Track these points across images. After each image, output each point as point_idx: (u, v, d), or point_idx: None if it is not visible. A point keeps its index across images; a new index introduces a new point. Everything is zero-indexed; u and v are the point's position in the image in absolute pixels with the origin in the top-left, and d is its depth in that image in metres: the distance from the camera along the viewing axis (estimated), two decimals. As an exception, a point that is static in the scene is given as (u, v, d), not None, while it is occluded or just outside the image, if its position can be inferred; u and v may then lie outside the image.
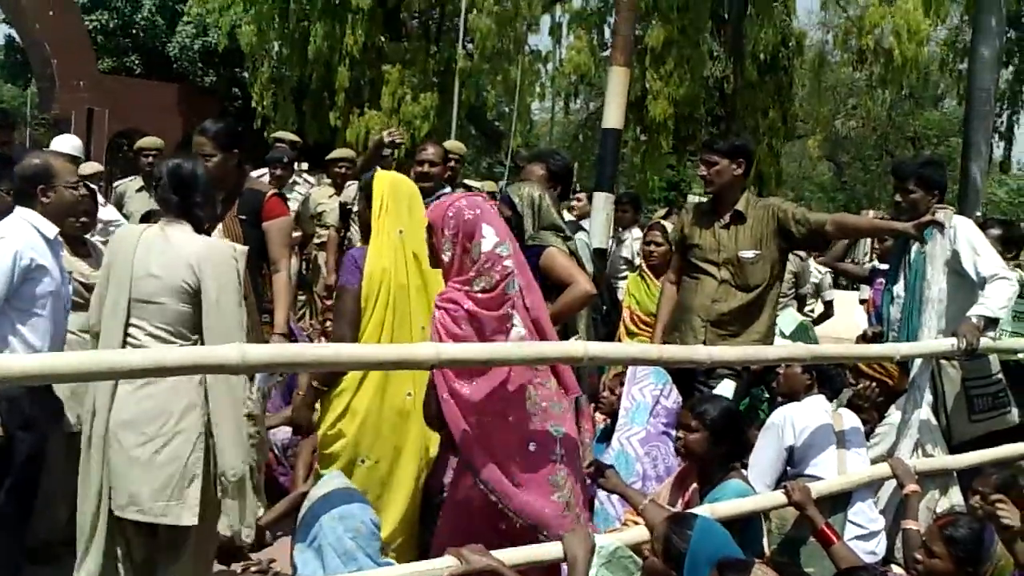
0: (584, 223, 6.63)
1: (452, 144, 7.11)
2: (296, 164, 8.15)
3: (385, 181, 3.78)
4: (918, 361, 4.05)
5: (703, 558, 2.60)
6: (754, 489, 3.50)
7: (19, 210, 3.54)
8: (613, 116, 6.60)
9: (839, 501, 3.71)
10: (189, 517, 3.28)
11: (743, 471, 3.58)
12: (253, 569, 2.70)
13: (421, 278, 3.68)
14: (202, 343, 3.33)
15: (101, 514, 3.30)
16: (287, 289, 4.40)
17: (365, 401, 3.60)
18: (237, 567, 3.82)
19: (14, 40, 23.34)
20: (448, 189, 5.69)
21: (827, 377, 4.17)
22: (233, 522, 3.33)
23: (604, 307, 5.49)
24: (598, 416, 4.40)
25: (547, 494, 3.05)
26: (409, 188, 3.87)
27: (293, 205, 7.12)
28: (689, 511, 2.87)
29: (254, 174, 7.64)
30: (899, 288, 4.56)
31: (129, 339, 3.32)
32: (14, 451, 3.39)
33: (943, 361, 4.21)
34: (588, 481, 3.39)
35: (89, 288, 4.18)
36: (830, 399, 4.17)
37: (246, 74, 19.33)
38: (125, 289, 3.34)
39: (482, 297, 3.06)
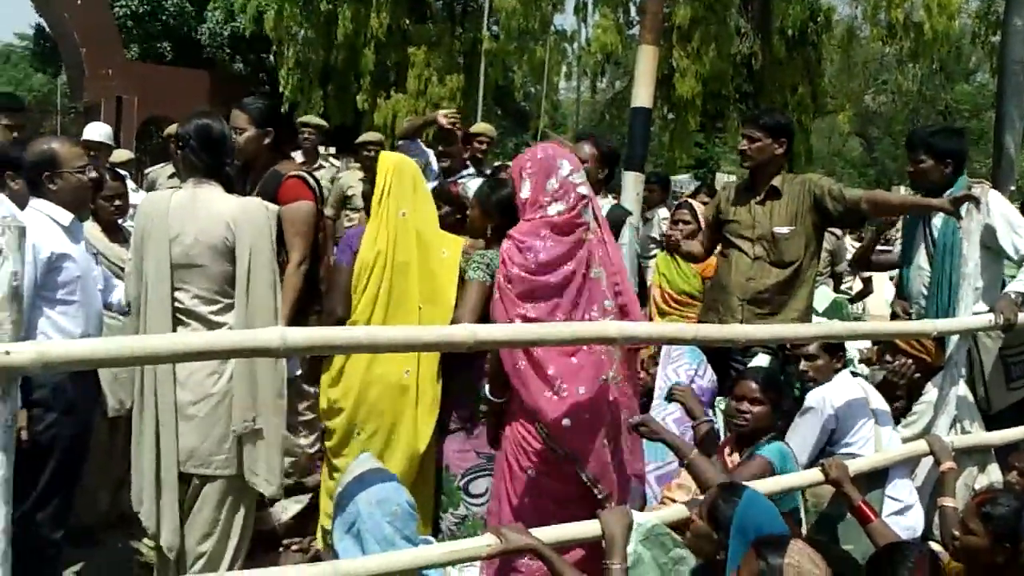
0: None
1: (481, 126, 7.10)
2: (323, 148, 8.18)
3: (389, 163, 3.81)
4: (954, 337, 4.02)
5: (748, 528, 2.61)
6: (792, 451, 3.55)
7: (32, 201, 3.53)
8: (642, 95, 6.55)
9: (876, 478, 3.69)
10: (238, 468, 3.41)
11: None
12: (294, 548, 2.73)
13: (425, 255, 3.74)
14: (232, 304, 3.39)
15: (166, 474, 3.39)
16: (293, 283, 3.88)
17: (356, 375, 3.69)
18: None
19: (43, 29, 23.51)
20: (471, 170, 5.70)
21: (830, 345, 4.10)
22: (248, 473, 3.41)
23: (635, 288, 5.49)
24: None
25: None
26: (412, 169, 3.90)
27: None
28: (739, 482, 2.87)
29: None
30: (922, 261, 4.50)
31: (176, 304, 3.36)
32: (57, 436, 3.44)
33: (979, 334, 4.18)
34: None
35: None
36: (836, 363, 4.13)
37: (273, 58, 19.38)
38: (165, 255, 3.36)
39: (556, 220, 3.24)
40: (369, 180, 3.86)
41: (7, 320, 2.20)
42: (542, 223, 3.25)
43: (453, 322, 3.62)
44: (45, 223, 3.45)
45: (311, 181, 4.12)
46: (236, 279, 3.40)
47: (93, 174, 3.62)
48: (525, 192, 3.31)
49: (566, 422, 3.17)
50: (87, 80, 19.44)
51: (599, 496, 3.25)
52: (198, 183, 3.47)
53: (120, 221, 4.64)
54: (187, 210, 3.40)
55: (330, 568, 2.44)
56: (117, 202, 4.50)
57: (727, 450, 3.57)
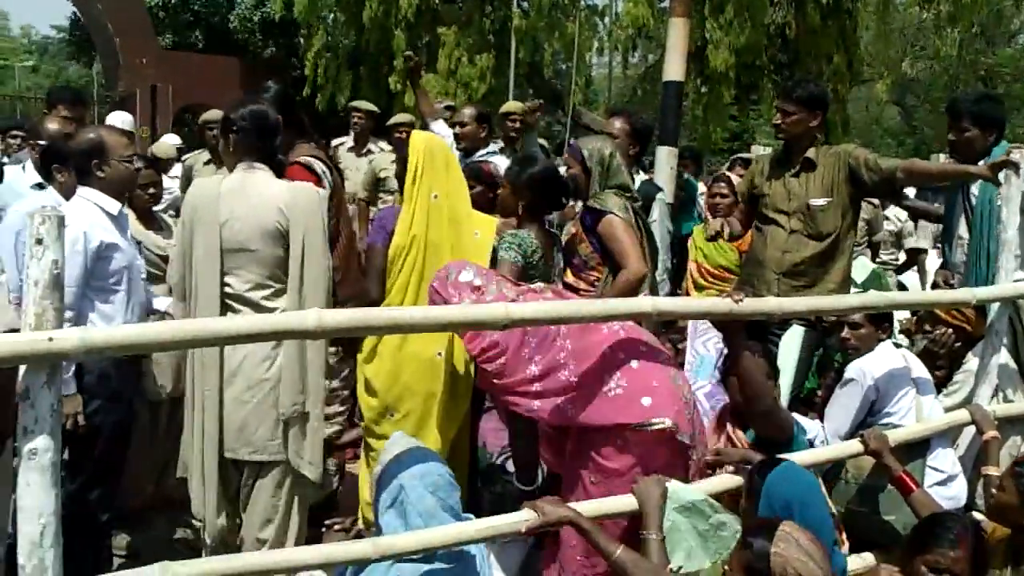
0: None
1: (512, 104, 7.07)
2: (372, 135, 8.08)
3: (420, 144, 3.79)
4: (995, 305, 3.96)
5: (775, 500, 2.62)
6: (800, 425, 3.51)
7: (80, 190, 3.58)
8: (674, 68, 6.49)
9: (917, 448, 3.66)
10: (294, 456, 3.44)
11: None
12: (336, 528, 2.77)
13: (457, 237, 3.75)
14: (284, 289, 3.41)
15: (209, 458, 3.44)
16: None
17: (389, 355, 3.72)
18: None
19: (78, 20, 23.74)
20: (494, 148, 5.67)
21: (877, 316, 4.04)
22: (294, 457, 3.45)
23: (675, 261, 5.47)
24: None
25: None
26: (444, 148, 3.89)
27: (358, 176, 7.20)
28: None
29: (336, 142, 7.74)
30: (962, 230, 4.44)
31: (226, 289, 3.39)
32: (103, 423, 3.51)
33: (1021, 301, 4.11)
34: None
35: (165, 259, 4.30)
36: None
37: (302, 42, 19.41)
38: (215, 239, 3.37)
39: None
40: (400, 161, 3.86)
41: (50, 307, 2.24)
42: None
43: None
44: (94, 212, 3.51)
45: (318, 167, 4.10)
46: (289, 264, 3.41)
47: (139, 163, 3.67)
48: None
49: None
50: (122, 70, 19.63)
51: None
52: (249, 168, 3.47)
53: (154, 208, 4.70)
54: (238, 195, 3.41)
55: (370, 545, 2.47)
56: (152, 190, 4.55)
57: (728, 425, 3.52)
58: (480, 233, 3.85)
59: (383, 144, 7.86)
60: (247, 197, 3.40)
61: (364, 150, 7.71)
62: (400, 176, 3.83)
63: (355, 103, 8.24)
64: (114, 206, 3.57)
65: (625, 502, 2.89)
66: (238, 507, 3.55)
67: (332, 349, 4.34)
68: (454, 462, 3.74)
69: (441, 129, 6.46)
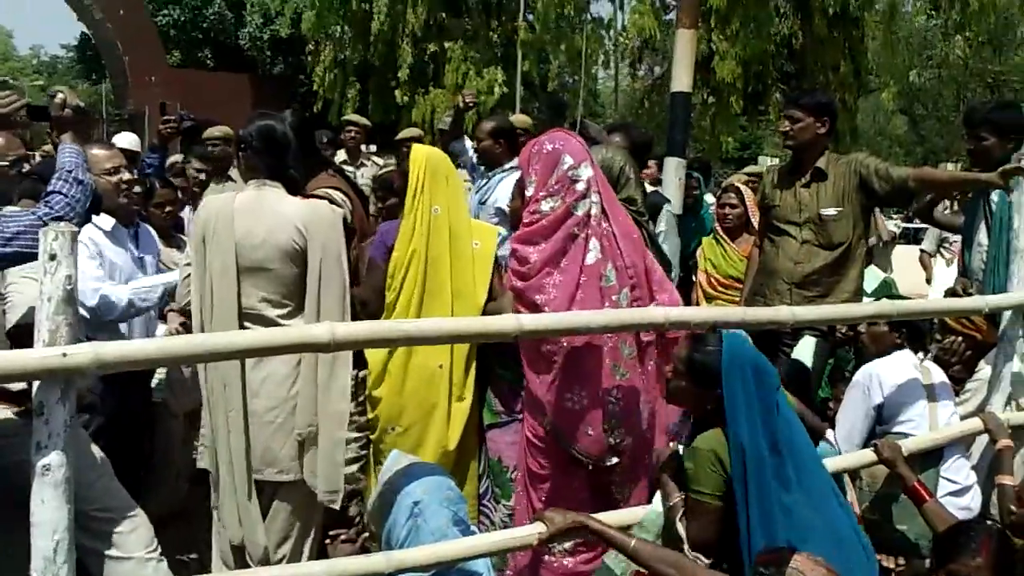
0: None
1: (518, 118, 7.10)
2: (364, 146, 8.24)
3: (421, 158, 3.75)
4: (1007, 313, 3.94)
5: (744, 362, 2.63)
6: None
7: None
8: (681, 79, 6.51)
9: (931, 457, 3.64)
10: (309, 476, 3.43)
11: None
12: (343, 539, 2.76)
13: (457, 249, 3.73)
14: (303, 308, 3.40)
15: (240, 479, 3.43)
16: None
17: (394, 373, 3.68)
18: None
19: (88, 39, 23.95)
20: (515, 163, 5.67)
21: (915, 330, 4.07)
22: (309, 477, 3.44)
23: (681, 274, 5.46)
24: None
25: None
26: (444, 162, 3.87)
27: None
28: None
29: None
30: (981, 237, 4.42)
31: (242, 308, 3.37)
32: (105, 439, 3.50)
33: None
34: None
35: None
36: (916, 352, 4.09)
37: (309, 58, 19.54)
38: (231, 257, 3.35)
39: (545, 222, 3.22)
40: (401, 175, 3.85)
41: (63, 323, 2.24)
42: (534, 229, 3.25)
43: (493, 311, 3.66)
44: (87, 228, 3.49)
45: (336, 197, 4.10)
46: (307, 282, 3.38)
47: (127, 175, 3.65)
48: (530, 190, 3.31)
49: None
50: (131, 88, 19.79)
51: (607, 464, 3.26)
52: (261, 184, 3.45)
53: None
54: (253, 212, 3.38)
55: (383, 559, 2.46)
56: (168, 208, 4.57)
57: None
58: (480, 243, 3.85)
59: (376, 159, 7.95)
60: (263, 215, 3.38)
61: (358, 162, 7.77)
62: (401, 190, 3.81)
63: (348, 117, 8.39)
64: (107, 221, 3.55)
65: (631, 513, 2.89)
66: None
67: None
68: (459, 476, 3.73)
69: (464, 144, 6.48)
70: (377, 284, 3.71)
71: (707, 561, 2.58)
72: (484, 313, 3.72)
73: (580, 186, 3.26)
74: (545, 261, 3.21)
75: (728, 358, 2.64)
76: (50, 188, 2.95)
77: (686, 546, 2.63)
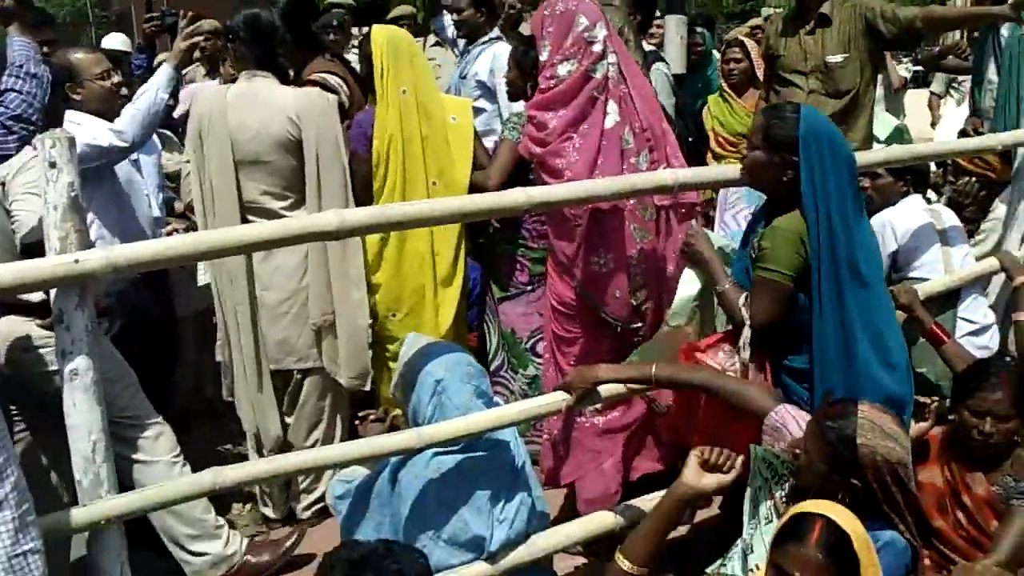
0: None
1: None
2: (354, 29, 7.99)
3: (381, 40, 3.67)
4: (1022, 150, 3.88)
5: (820, 133, 2.63)
6: None
7: (68, 113, 3.50)
8: (677, -68, 6.23)
9: (948, 299, 3.65)
10: (330, 364, 3.51)
11: None
12: (372, 418, 2.82)
13: (431, 128, 3.68)
14: (303, 198, 3.39)
15: (265, 372, 3.52)
16: None
17: (391, 259, 3.71)
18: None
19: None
20: (496, 34, 5.52)
21: (919, 175, 4.01)
22: (330, 365, 3.52)
23: (690, 137, 5.36)
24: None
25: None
26: (408, 42, 3.78)
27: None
28: None
29: None
30: (991, 75, 4.33)
31: (244, 201, 3.37)
32: (127, 341, 3.54)
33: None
34: None
35: (170, 177, 4.28)
36: (924, 196, 4.04)
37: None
38: (227, 151, 3.34)
39: (564, 87, 3.14)
40: (365, 60, 3.74)
41: (72, 230, 2.25)
42: (553, 95, 3.17)
43: (478, 181, 3.72)
44: (82, 132, 3.45)
45: (332, 81, 4.03)
46: (306, 174, 3.37)
47: (116, 78, 3.59)
48: (544, 54, 3.21)
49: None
50: (114, -13, 19.26)
51: (632, 327, 3.29)
52: (252, 75, 3.42)
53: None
54: (246, 104, 3.36)
55: (414, 435, 2.51)
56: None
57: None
58: (457, 117, 3.80)
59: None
60: (255, 108, 3.35)
61: (350, 45, 7.57)
62: (368, 75, 3.73)
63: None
64: (102, 125, 3.52)
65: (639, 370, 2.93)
66: (282, 416, 3.63)
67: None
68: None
69: (444, 21, 6.30)
70: (363, 176, 3.67)
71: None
72: (470, 183, 3.71)
73: (597, 47, 3.17)
74: (565, 126, 3.16)
75: (805, 124, 2.62)
76: (2, 87, 2.88)
77: (746, 327, 2.65)
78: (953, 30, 5.20)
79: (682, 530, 3.48)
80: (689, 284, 3.00)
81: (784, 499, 2.30)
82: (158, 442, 3.02)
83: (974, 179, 4.16)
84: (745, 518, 2.33)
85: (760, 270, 2.67)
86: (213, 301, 3.63)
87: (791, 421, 2.33)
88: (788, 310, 2.67)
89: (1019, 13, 3.83)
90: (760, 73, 5.04)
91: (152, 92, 3.56)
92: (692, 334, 3.00)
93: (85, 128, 3.32)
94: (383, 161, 3.65)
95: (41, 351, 2.78)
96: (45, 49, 4.94)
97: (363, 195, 3.67)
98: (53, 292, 2.28)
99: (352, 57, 7.03)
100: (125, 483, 2.72)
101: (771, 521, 2.29)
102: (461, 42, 5.77)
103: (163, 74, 3.65)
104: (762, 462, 2.31)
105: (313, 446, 3.56)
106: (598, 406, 3.08)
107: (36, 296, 2.68)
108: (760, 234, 2.72)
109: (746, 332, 2.65)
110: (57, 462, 2.92)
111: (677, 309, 3.01)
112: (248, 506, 3.84)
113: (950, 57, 5.75)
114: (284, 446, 3.60)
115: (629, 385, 2.78)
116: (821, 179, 2.59)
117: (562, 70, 3.16)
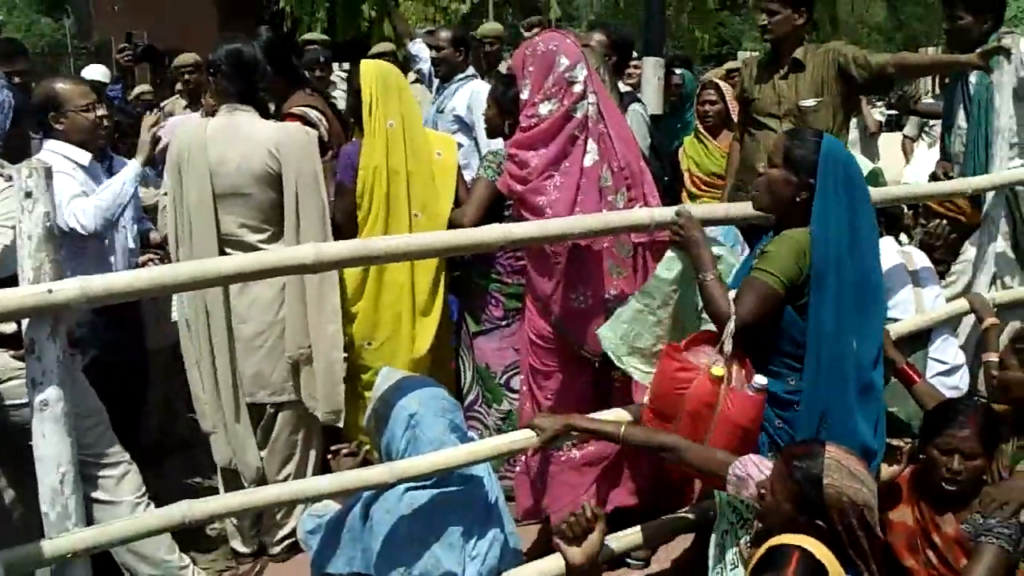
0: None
1: (488, 27, 6.96)
2: (337, 64, 8.07)
3: (371, 74, 3.71)
4: (990, 194, 3.95)
5: (838, 158, 2.72)
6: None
7: (47, 143, 3.50)
8: (655, -24, 6.33)
9: (919, 340, 3.69)
10: (307, 397, 3.50)
11: None
12: (344, 452, 2.80)
13: (417, 162, 3.71)
14: (281, 231, 3.39)
15: (242, 404, 3.50)
16: None
17: (369, 288, 3.71)
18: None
19: (46, -29, 23.26)
20: (472, 72, 5.59)
21: (891, 217, 4.06)
22: (307, 399, 3.50)
23: (665, 177, 5.41)
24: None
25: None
26: (396, 76, 3.83)
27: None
28: None
29: None
30: (961, 120, 4.40)
31: (221, 234, 3.37)
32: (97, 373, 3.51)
33: (1019, 188, 4.10)
34: None
35: (149, 209, 4.27)
36: (896, 239, 4.09)
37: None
38: (206, 184, 3.34)
39: (545, 126, 3.18)
40: (354, 93, 3.78)
41: (46, 260, 2.24)
42: (534, 134, 3.21)
43: (456, 218, 3.71)
44: (63, 163, 3.43)
45: (312, 115, 4.06)
46: (284, 207, 3.37)
47: (101, 111, 3.59)
48: (525, 93, 3.25)
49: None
50: (95, 19, 19.28)
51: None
52: (232, 109, 3.42)
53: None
54: (226, 137, 3.36)
55: (387, 470, 2.50)
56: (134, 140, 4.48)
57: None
58: (443, 153, 3.83)
59: (340, 73, 7.81)
60: (236, 141, 3.35)
61: (328, 83, 7.64)
62: (355, 108, 3.76)
63: (307, 36, 8.21)
64: (83, 156, 3.49)
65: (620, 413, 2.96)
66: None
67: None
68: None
69: (419, 51, 6.37)
70: (348, 207, 3.69)
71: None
72: (448, 221, 3.73)
73: (577, 87, 3.22)
74: (546, 164, 3.19)
75: (825, 149, 2.70)
76: None
77: (732, 319, 2.65)
78: (923, 76, 5.30)
79: (653, 569, 3.49)
80: (668, 266, 2.99)
81: (748, 544, 2.29)
82: (122, 482, 2.99)
83: (944, 221, 4.22)
84: (711, 563, 2.33)
85: (756, 270, 2.72)
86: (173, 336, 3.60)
87: (753, 467, 2.35)
88: (773, 322, 2.70)
89: (987, 62, 3.92)
90: (735, 115, 5.11)
91: (118, 186, 3.52)
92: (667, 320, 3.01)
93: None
94: (368, 191, 3.67)
95: (12, 383, 2.74)
96: (16, 80, 4.93)
97: (348, 225, 3.68)
98: (25, 322, 2.27)
99: (334, 93, 7.10)
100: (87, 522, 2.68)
101: (736, 567, 2.28)
102: (436, 80, 5.86)
103: (131, 170, 3.62)
104: (727, 506, 2.32)
105: (286, 480, 3.53)
106: (574, 441, 3.09)
107: (9, 327, 2.66)
108: (767, 240, 2.82)
109: (731, 324, 2.66)
110: (20, 496, 2.88)
111: (651, 289, 3.00)
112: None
113: (923, 100, 5.86)
114: (262, 479, 3.57)
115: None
116: (835, 201, 2.68)
117: (543, 109, 3.20)
